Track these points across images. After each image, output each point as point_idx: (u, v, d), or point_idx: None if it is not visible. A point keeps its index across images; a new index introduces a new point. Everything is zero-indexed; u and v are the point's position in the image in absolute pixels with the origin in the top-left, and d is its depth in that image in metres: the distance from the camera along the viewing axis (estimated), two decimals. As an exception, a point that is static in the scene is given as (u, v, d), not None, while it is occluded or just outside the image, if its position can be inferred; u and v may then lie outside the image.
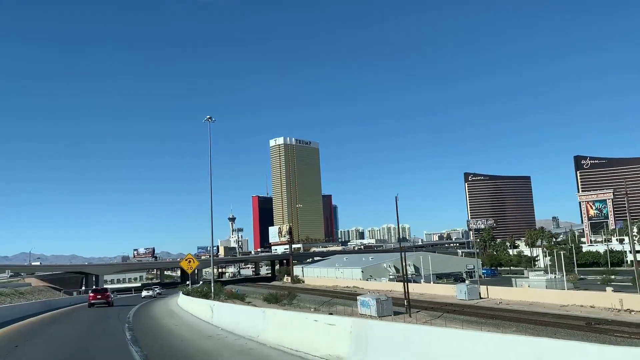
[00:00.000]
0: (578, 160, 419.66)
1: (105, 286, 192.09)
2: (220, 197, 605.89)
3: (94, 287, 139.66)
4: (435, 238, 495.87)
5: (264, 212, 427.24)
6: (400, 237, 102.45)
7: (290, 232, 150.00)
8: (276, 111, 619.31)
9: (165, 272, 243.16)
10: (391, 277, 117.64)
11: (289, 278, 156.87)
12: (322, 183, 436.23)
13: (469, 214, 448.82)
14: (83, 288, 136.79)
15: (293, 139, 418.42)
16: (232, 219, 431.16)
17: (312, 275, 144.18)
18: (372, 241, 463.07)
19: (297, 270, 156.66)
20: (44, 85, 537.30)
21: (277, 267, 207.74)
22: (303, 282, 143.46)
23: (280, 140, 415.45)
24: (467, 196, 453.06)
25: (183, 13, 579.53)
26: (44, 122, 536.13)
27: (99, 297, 53.87)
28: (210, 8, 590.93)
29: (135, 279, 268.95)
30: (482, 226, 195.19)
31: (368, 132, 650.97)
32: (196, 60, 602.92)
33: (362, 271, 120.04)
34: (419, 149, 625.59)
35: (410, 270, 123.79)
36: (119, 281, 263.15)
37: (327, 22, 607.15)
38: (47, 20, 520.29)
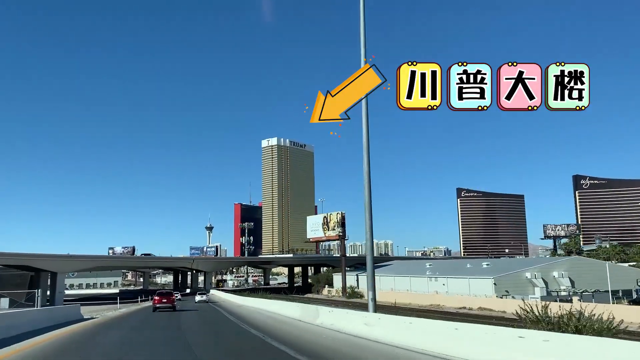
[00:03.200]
0: (577, 179, 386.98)
1: (67, 292, 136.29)
2: (198, 203, 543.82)
3: (47, 292, 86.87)
4: (418, 255, 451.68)
5: (246, 220, 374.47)
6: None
7: (342, 224, 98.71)
8: (266, 113, 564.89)
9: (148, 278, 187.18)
10: (549, 292, 67.42)
11: (332, 289, 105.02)
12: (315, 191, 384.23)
13: (461, 231, 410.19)
14: (38, 292, 79.82)
15: (287, 140, 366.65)
16: (210, 228, 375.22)
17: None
18: (355, 256, 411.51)
19: (339, 279, 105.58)
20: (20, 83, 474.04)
21: (297, 275, 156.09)
22: (361, 296, 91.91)
23: (273, 141, 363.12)
24: (459, 212, 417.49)
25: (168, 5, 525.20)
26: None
27: (165, 300, 47.56)
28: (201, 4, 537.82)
29: (110, 284, 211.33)
30: (562, 233, 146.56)
31: (358, 143, 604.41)
32: (186, 59, 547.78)
33: (495, 283, 69.25)
34: (407, 163, 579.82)
35: (565, 283, 73.55)
36: (89, 286, 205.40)
37: (322, 26, 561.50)
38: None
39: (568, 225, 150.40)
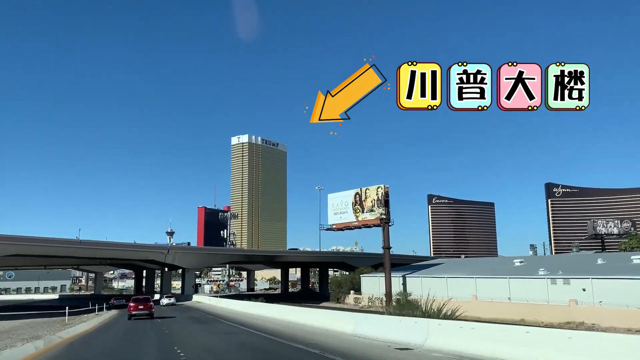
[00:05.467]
0: (550, 187, 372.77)
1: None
2: (157, 207, 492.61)
3: None
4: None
5: (211, 226, 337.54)
6: None
7: (386, 203, 64.94)
8: (235, 111, 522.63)
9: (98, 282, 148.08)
10: None
11: (360, 296, 71.49)
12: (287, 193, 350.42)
13: (432, 238, 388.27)
14: None
15: (259, 138, 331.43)
16: (171, 233, 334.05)
17: (432, 293, 60.47)
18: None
19: (370, 283, 72.33)
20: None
21: (294, 276, 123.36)
22: (416, 307, 58.84)
23: (244, 138, 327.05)
24: (430, 219, 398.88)
25: None
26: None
27: (141, 307, 41.17)
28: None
29: (55, 288, 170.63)
30: (615, 230, 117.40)
31: (330, 144, 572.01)
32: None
33: None
34: (378, 167, 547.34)
35: None
36: (29, 290, 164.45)
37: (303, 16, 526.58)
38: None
39: (622, 220, 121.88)
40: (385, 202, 65.64)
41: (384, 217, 65.36)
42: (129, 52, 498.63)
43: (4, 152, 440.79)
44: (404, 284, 67.21)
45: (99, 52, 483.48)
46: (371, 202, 66.79)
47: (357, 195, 68.75)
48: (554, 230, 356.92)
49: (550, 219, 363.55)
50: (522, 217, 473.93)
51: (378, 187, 66.41)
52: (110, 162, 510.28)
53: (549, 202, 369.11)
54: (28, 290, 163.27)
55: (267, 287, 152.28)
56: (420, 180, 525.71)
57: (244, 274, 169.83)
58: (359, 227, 69.11)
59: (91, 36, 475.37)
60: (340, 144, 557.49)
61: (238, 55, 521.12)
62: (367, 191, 67.60)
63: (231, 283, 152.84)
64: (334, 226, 71.72)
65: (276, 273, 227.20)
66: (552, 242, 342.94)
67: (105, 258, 74.36)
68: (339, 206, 71.17)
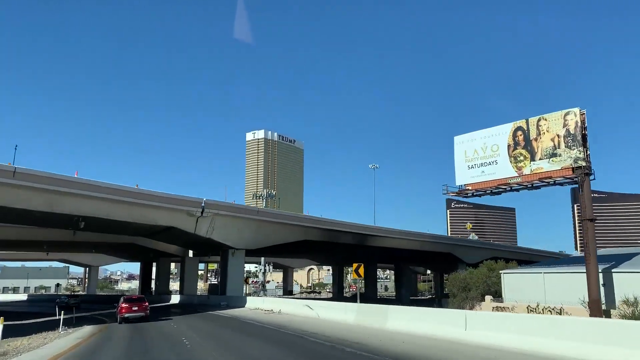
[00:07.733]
0: (576, 192, 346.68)
1: None
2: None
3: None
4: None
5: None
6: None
7: (584, 138, 37.39)
8: (252, 108, 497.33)
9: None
10: None
11: (503, 305, 41.20)
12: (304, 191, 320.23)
13: None
14: None
15: (275, 133, 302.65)
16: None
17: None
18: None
19: (521, 283, 42.87)
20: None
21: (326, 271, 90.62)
22: None
23: (260, 134, 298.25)
24: (449, 224, 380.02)
25: None
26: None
27: (135, 308, 33.34)
28: None
29: (48, 288, 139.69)
30: None
31: (350, 142, 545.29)
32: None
33: None
34: (395, 170, 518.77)
35: None
36: (17, 290, 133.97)
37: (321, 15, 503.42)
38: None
39: None
40: (582, 137, 35.72)
41: (582, 163, 35.38)
42: (141, 54, 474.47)
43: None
44: (606, 284, 37.06)
45: (112, 51, 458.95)
46: (552, 140, 36.84)
47: (520, 132, 38.58)
48: (580, 235, 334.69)
49: (577, 224, 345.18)
50: (544, 222, 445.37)
51: (566, 114, 36.37)
52: (118, 162, 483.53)
53: (575, 207, 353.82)
54: (16, 290, 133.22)
55: (299, 289, 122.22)
56: (440, 185, 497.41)
57: (268, 275, 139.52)
58: (524, 187, 39.15)
59: (114, 37, 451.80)
60: (350, 142, 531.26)
61: (248, 55, 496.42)
62: (542, 123, 37.44)
63: (257, 284, 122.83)
64: (469, 187, 41.38)
65: (298, 276, 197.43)
66: (578, 247, 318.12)
67: (77, 216, 34.96)
68: (479, 154, 41.05)
